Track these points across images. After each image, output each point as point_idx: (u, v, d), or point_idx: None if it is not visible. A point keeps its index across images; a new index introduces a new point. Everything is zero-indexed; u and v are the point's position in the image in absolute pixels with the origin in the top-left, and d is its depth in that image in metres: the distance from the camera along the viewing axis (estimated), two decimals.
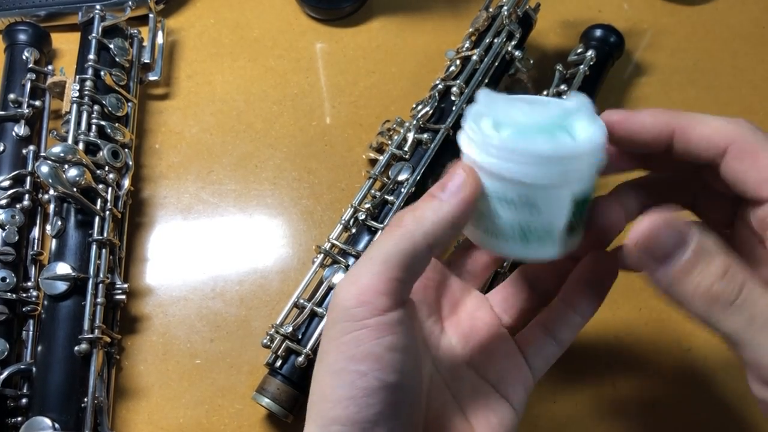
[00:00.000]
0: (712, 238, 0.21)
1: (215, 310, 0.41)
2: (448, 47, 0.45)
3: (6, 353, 0.36)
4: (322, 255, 0.38)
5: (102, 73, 0.42)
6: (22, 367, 0.36)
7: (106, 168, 0.39)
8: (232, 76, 0.48)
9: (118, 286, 0.38)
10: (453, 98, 0.41)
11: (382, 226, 0.38)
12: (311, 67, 0.49)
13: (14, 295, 0.38)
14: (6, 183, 0.40)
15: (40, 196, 0.41)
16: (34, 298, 0.38)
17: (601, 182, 0.25)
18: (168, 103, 0.47)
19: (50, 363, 0.35)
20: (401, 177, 0.39)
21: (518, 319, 0.30)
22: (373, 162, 0.44)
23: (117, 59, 0.43)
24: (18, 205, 0.40)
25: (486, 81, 0.42)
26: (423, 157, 0.39)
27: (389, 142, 0.42)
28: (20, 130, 0.42)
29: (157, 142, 0.46)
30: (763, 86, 0.49)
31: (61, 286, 0.36)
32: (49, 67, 0.45)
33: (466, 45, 0.43)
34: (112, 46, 0.43)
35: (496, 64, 0.43)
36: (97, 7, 0.44)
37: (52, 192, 0.38)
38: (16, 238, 0.39)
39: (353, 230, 0.39)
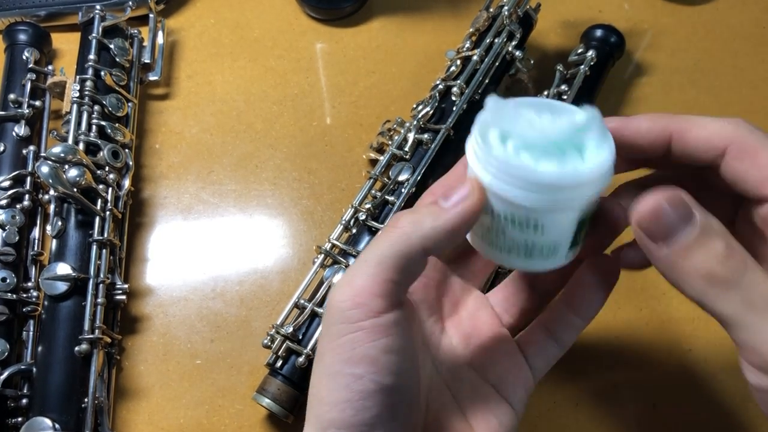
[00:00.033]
0: (715, 218, 0.21)
1: (215, 311, 0.41)
2: (449, 47, 0.45)
3: (6, 353, 0.36)
4: (322, 255, 0.38)
5: (102, 73, 0.42)
6: (23, 367, 0.36)
7: (107, 168, 0.39)
8: (232, 76, 0.48)
9: (118, 286, 0.38)
10: (453, 98, 0.41)
11: (382, 226, 0.38)
12: (311, 67, 0.49)
13: (14, 296, 0.38)
14: (6, 183, 0.40)
15: (40, 196, 0.41)
16: (34, 299, 0.38)
17: None
18: (168, 103, 0.47)
19: (50, 363, 0.35)
20: (402, 177, 0.39)
21: (519, 318, 0.30)
22: (373, 162, 0.44)
23: (117, 59, 0.43)
24: (18, 206, 0.40)
25: (486, 81, 0.42)
26: (423, 157, 0.39)
27: (390, 142, 0.42)
28: (20, 130, 0.42)
29: (158, 143, 0.46)
30: (763, 86, 0.49)
31: (62, 287, 0.36)
32: (50, 67, 0.45)
33: (467, 45, 0.43)
34: (112, 46, 0.43)
35: (497, 64, 0.43)
36: (98, 7, 0.44)
37: (52, 192, 0.38)
38: (17, 238, 0.39)
39: (354, 230, 0.39)
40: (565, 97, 0.42)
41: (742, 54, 0.50)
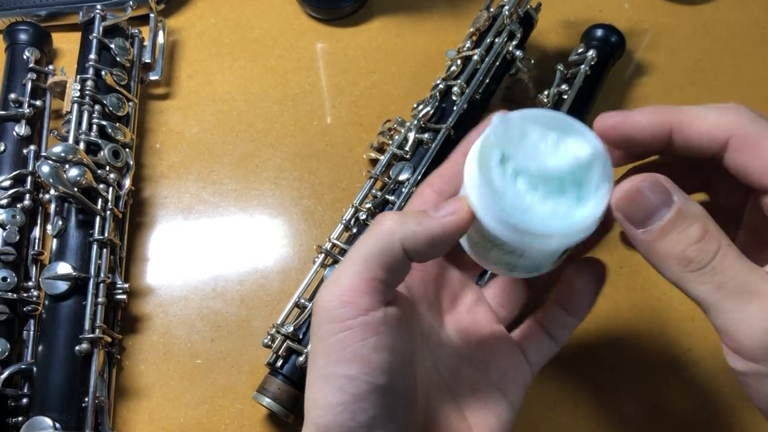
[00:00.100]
0: (694, 203, 0.21)
1: (216, 310, 0.41)
2: (449, 47, 0.45)
3: (7, 353, 0.36)
4: (323, 255, 0.38)
5: (103, 72, 0.42)
6: (23, 366, 0.36)
7: (107, 168, 0.39)
8: (232, 75, 0.48)
9: (118, 285, 0.38)
10: (454, 98, 0.41)
11: None
12: (312, 67, 0.49)
13: (15, 295, 0.38)
14: (7, 183, 0.40)
15: (40, 195, 0.41)
16: (34, 298, 0.38)
17: None
18: (169, 103, 0.47)
19: (51, 363, 0.35)
20: (402, 177, 0.39)
21: (514, 311, 0.30)
22: (373, 162, 0.44)
23: (118, 59, 0.43)
24: (19, 205, 0.40)
25: (487, 81, 0.42)
26: (424, 157, 0.39)
27: (390, 141, 0.42)
28: (21, 129, 0.42)
29: (158, 142, 0.46)
30: (763, 86, 0.49)
31: (62, 286, 0.36)
32: (50, 67, 0.45)
33: (467, 45, 0.43)
34: (112, 45, 0.43)
35: (497, 63, 0.43)
36: (98, 6, 0.44)
37: (52, 192, 0.38)
38: (17, 237, 0.39)
39: (354, 230, 0.39)
40: (565, 96, 0.43)
41: (742, 54, 0.50)
